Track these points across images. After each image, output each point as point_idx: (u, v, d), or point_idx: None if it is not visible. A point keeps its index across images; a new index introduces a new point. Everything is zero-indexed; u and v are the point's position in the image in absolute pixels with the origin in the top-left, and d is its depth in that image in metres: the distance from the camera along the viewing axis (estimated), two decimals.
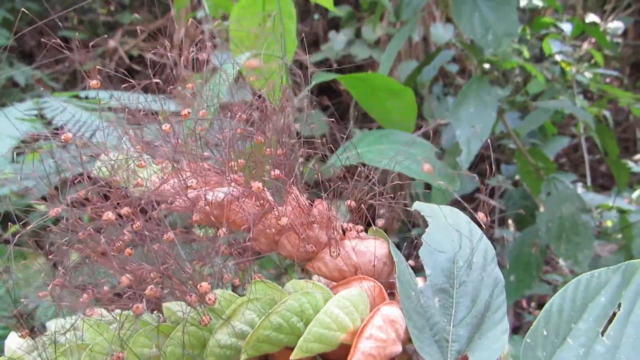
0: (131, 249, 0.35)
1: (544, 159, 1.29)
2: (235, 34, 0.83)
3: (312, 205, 0.39)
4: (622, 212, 1.42)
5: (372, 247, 0.36)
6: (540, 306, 1.73)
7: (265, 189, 0.40)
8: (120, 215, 0.38)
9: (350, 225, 0.38)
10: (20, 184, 1.21)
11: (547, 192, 1.22)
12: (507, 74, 2.17)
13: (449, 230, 0.39)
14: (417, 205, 0.41)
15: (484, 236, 0.41)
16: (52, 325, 0.46)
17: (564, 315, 0.41)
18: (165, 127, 0.40)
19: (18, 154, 0.99)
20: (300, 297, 0.32)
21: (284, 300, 0.31)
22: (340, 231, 0.38)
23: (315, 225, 0.37)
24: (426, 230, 0.39)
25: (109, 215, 0.32)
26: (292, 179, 0.40)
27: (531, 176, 1.33)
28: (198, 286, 0.31)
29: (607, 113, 1.49)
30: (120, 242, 0.35)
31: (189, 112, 0.43)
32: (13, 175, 1.22)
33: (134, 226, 0.35)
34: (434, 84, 2.14)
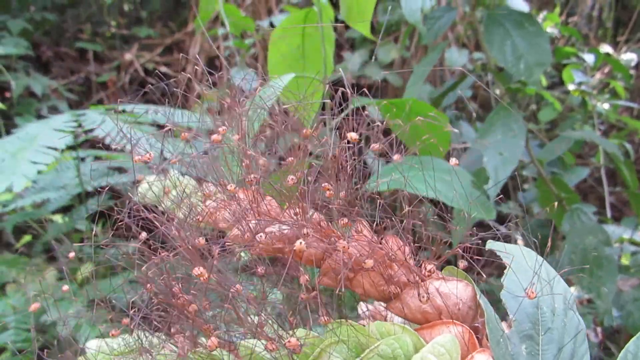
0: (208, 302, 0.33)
1: (566, 189, 1.28)
2: (273, 56, 0.82)
3: (382, 242, 0.37)
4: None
5: (455, 290, 0.34)
6: None
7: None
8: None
9: (430, 264, 0.36)
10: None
11: (570, 223, 1.21)
12: (519, 101, 2.17)
13: (527, 273, 0.38)
14: (492, 245, 0.40)
15: (561, 279, 0.39)
16: (92, 345, 0.44)
17: None
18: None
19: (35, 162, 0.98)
20: (393, 342, 0.30)
21: (376, 345, 0.30)
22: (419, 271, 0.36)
23: (394, 264, 0.35)
24: (505, 272, 0.38)
25: (202, 271, 0.31)
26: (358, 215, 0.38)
27: (552, 206, 1.31)
28: (286, 342, 0.30)
29: (627, 145, 1.48)
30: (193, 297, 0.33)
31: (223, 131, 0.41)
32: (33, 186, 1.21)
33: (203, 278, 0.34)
34: (447, 108, 2.14)
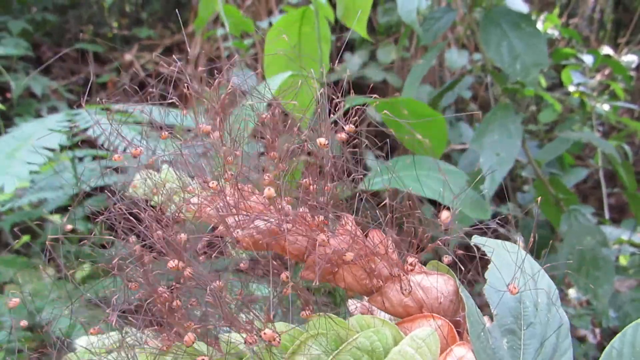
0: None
1: (564, 190, 1.28)
2: (269, 56, 0.82)
3: (367, 236, 0.37)
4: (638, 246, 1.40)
5: (437, 283, 0.35)
6: None
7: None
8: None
9: (412, 258, 0.36)
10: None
11: (567, 224, 1.21)
12: (519, 102, 2.17)
13: (511, 268, 0.38)
14: (477, 240, 0.40)
15: (546, 274, 0.39)
16: (82, 343, 0.44)
17: None
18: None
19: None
20: (372, 335, 0.30)
21: (355, 337, 0.30)
22: (401, 264, 0.36)
23: (376, 258, 0.35)
24: (489, 267, 0.38)
25: (177, 263, 0.31)
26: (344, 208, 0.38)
27: (550, 207, 1.31)
28: (262, 333, 0.30)
29: (626, 147, 1.48)
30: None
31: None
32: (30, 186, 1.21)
33: (185, 273, 0.34)
34: (447, 109, 2.14)
